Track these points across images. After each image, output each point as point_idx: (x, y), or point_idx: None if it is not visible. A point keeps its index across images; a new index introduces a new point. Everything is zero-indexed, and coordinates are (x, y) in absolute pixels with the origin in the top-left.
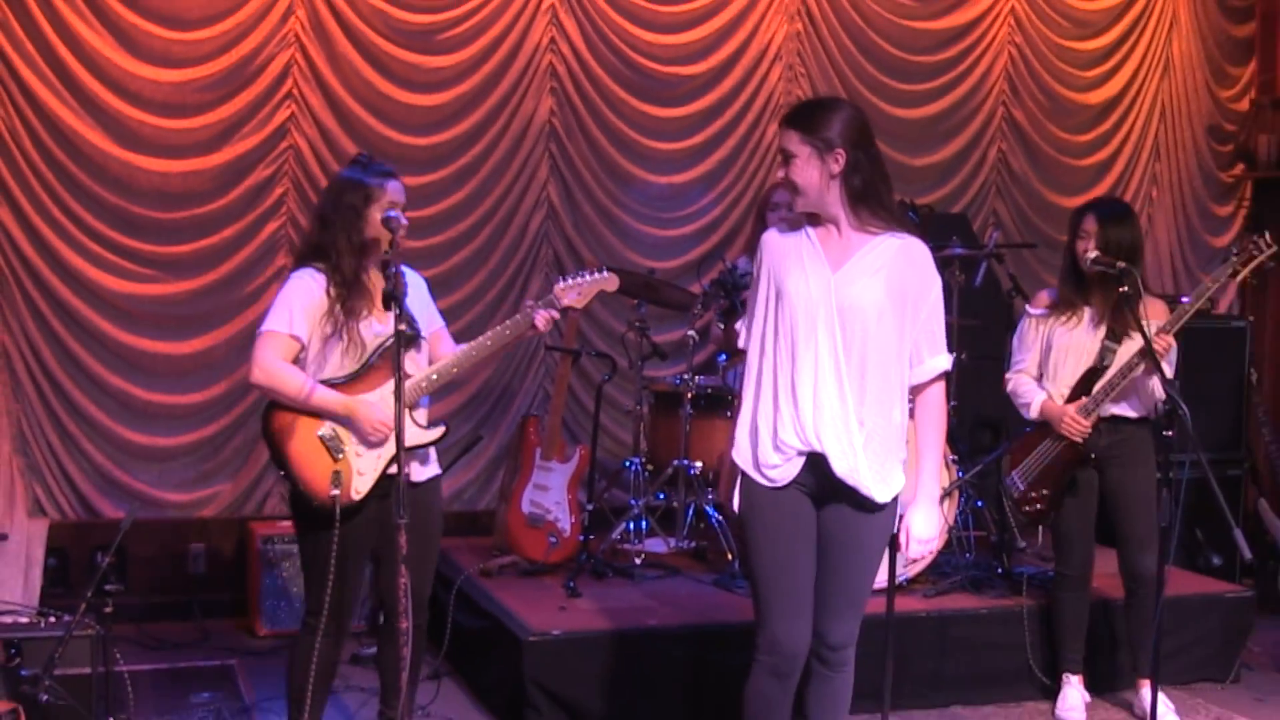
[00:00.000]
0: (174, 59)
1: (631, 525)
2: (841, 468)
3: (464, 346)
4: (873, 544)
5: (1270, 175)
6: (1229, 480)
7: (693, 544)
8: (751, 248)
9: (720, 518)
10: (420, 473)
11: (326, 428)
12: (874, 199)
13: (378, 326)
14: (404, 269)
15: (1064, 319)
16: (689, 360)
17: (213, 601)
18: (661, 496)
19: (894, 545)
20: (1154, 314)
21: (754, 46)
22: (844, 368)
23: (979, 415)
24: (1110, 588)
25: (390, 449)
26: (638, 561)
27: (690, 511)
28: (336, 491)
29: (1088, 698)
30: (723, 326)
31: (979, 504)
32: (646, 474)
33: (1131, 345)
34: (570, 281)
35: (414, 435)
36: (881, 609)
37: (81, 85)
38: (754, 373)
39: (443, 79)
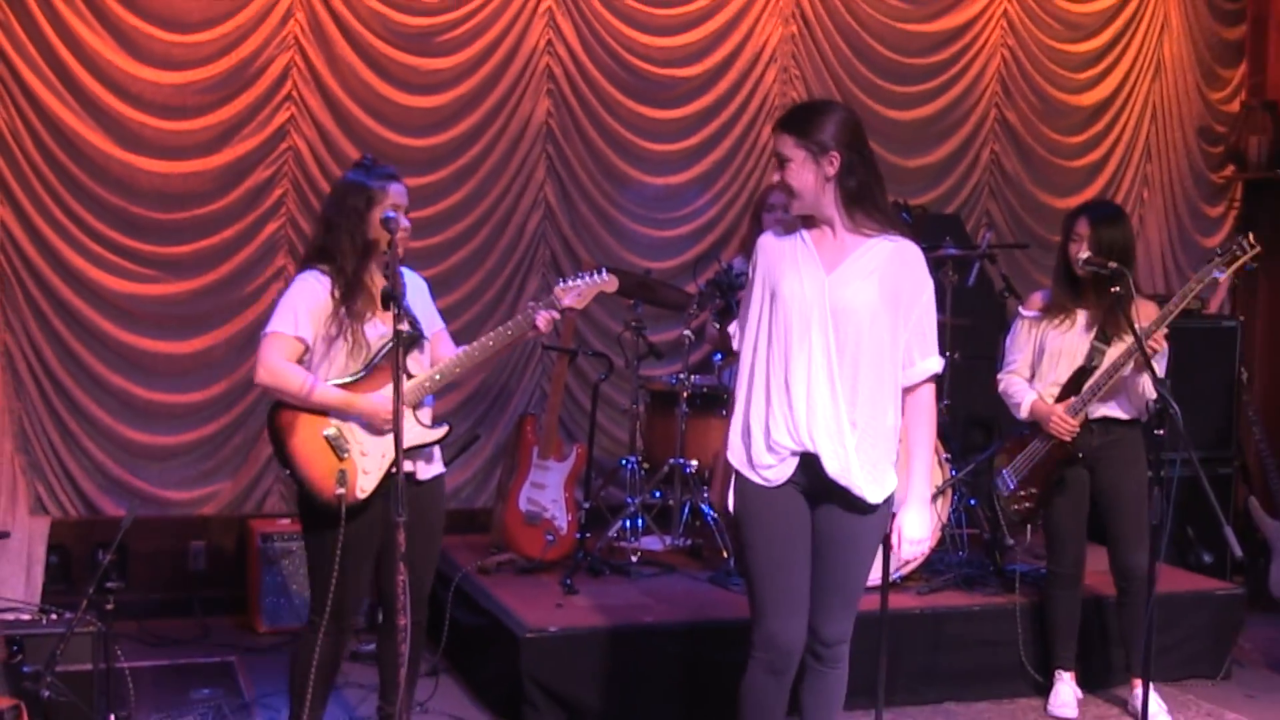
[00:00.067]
0: (174, 61)
1: (628, 523)
2: (834, 468)
3: (466, 347)
4: (866, 543)
5: (1260, 176)
6: (1220, 478)
7: (688, 542)
8: (747, 248)
9: (715, 515)
10: (425, 471)
11: (332, 427)
12: (869, 201)
13: (381, 327)
14: (405, 270)
15: (1057, 321)
16: (685, 360)
17: (213, 598)
18: (657, 495)
19: (887, 544)
20: (1145, 315)
21: (749, 49)
22: (837, 369)
23: (971, 414)
24: (1102, 585)
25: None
26: (634, 559)
27: (686, 509)
28: (342, 490)
29: (1080, 694)
30: (718, 326)
31: (972, 502)
32: (643, 472)
33: (1121, 346)
34: (570, 283)
35: (419, 434)
36: (876, 606)
37: (83, 87)
38: (747, 373)
39: (441, 81)
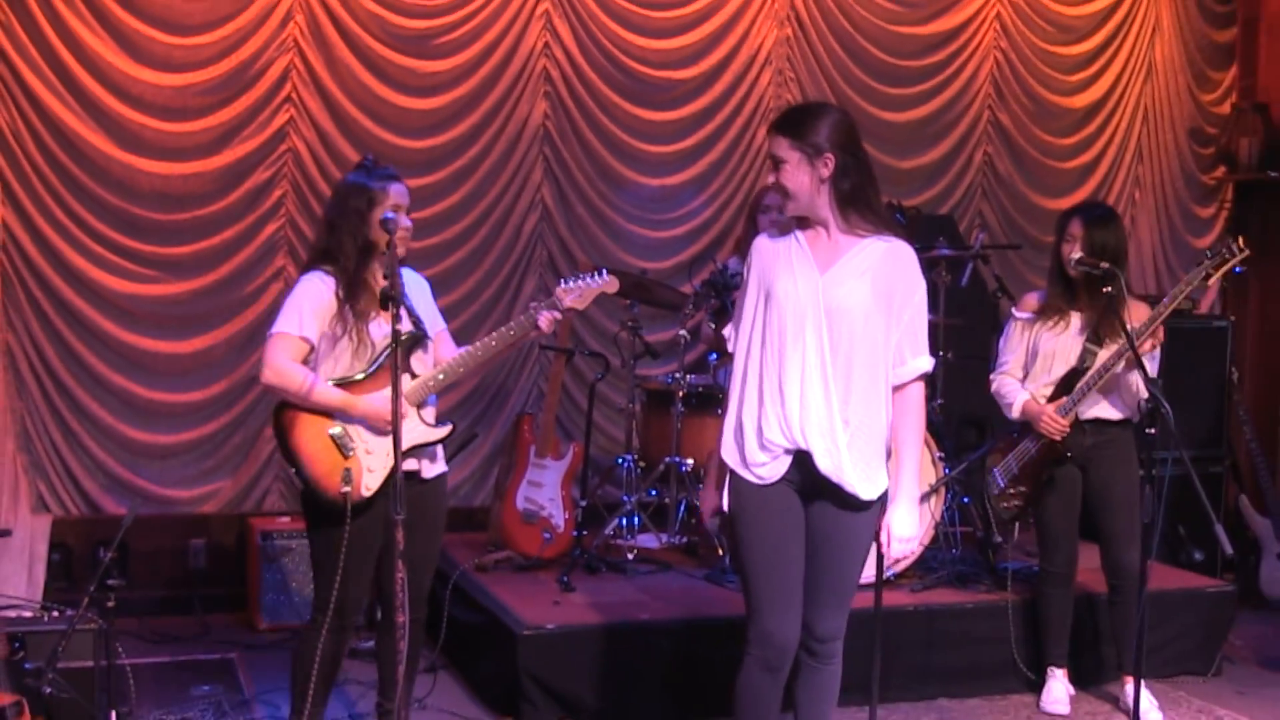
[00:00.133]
0: (175, 64)
1: (624, 521)
2: (826, 465)
3: (469, 346)
4: (859, 540)
5: (1251, 178)
6: (1210, 477)
7: (684, 539)
8: (742, 249)
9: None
10: (429, 469)
11: (337, 426)
12: (862, 202)
13: (385, 327)
14: (408, 271)
15: (1051, 323)
16: (680, 359)
17: (213, 596)
18: (653, 493)
19: (878, 542)
20: (1137, 316)
21: (744, 51)
22: (830, 368)
23: (964, 413)
24: (1094, 583)
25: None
26: (630, 557)
27: (682, 507)
28: (348, 489)
29: (1072, 690)
30: (714, 326)
31: (965, 500)
32: (639, 471)
33: (1113, 348)
34: (571, 284)
35: (423, 433)
36: (870, 603)
37: (84, 89)
38: (740, 373)
39: (439, 83)
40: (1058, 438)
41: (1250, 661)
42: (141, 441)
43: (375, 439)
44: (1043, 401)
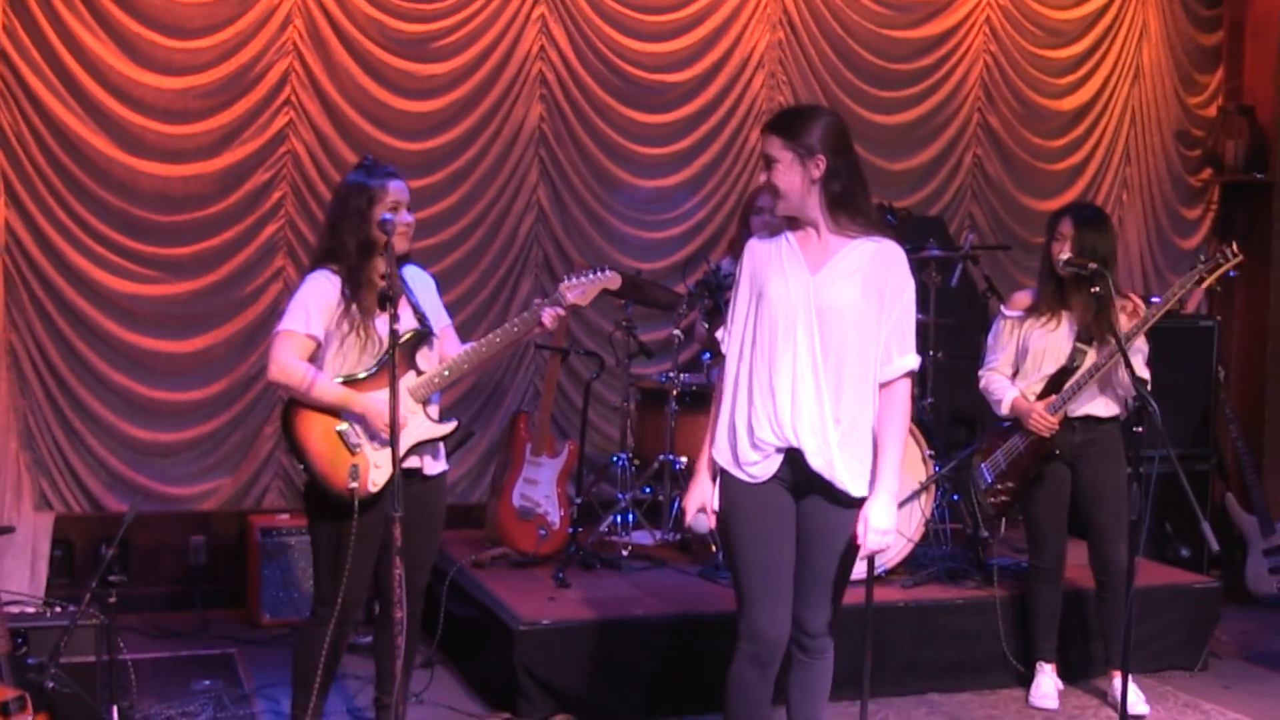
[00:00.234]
0: (176, 67)
1: (619, 518)
2: (817, 463)
3: (473, 343)
4: (850, 536)
5: (1237, 179)
6: (1197, 475)
7: (678, 536)
8: (735, 250)
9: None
10: (432, 467)
11: (344, 423)
12: (852, 204)
13: None
14: (413, 267)
15: (1043, 321)
16: (674, 358)
17: (213, 592)
18: (648, 490)
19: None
20: (1137, 312)
21: (737, 54)
22: (821, 367)
23: (954, 412)
24: (1082, 578)
25: (404, 443)
26: (625, 553)
27: (676, 505)
28: (355, 484)
29: (1061, 685)
30: (707, 326)
31: (955, 498)
32: (633, 469)
33: (1102, 347)
34: (574, 281)
35: (427, 429)
36: (861, 599)
37: (86, 92)
38: (732, 373)
39: (436, 86)
40: (1047, 435)
41: (1236, 656)
42: (143, 439)
43: (382, 435)
44: (1032, 399)
